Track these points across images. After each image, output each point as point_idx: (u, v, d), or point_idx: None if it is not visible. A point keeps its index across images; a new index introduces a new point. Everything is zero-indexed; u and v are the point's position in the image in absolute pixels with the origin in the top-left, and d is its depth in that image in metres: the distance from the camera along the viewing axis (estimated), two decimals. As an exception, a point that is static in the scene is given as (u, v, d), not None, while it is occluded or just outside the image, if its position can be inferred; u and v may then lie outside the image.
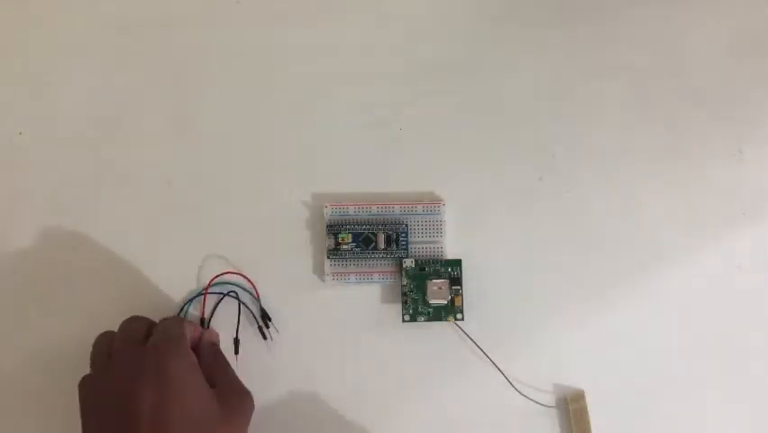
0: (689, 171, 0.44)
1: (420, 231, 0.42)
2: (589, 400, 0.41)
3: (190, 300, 0.41)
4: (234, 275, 0.41)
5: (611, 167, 0.44)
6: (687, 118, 0.44)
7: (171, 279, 0.41)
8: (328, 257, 0.41)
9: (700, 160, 0.44)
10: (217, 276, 0.41)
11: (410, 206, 0.42)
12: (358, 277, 0.41)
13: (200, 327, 0.40)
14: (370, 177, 0.43)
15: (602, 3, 0.45)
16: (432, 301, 0.40)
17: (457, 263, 0.41)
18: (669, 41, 0.45)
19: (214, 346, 0.40)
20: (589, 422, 0.40)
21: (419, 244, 0.42)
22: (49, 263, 0.42)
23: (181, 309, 0.41)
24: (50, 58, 0.43)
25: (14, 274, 0.42)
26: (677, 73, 0.45)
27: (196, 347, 0.39)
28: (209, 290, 0.41)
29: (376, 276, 0.41)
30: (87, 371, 0.37)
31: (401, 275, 0.41)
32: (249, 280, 0.41)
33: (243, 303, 0.40)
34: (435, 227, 0.42)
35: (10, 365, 0.41)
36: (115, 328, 0.40)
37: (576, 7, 0.45)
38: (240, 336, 0.40)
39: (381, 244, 0.41)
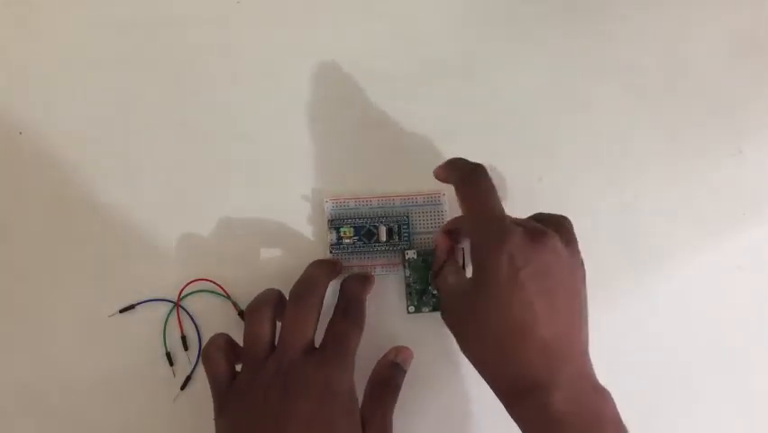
0: (689, 171, 0.44)
1: (422, 222, 0.42)
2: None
3: (166, 318, 0.41)
4: (208, 282, 0.41)
5: (611, 167, 0.44)
6: (687, 118, 0.44)
7: (171, 276, 0.41)
8: (331, 252, 0.41)
9: (700, 160, 0.44)
10: (186, 285, 0.41)
11: (411, 198, 0.42)
12: (362, 270, 0.41)
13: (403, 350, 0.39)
14: (369, 177, 0.43)
15: (602, 3, 0.45)
16: (436, 292, 0.40)
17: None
18: (669, 41, 0.45)
19: (392, 378, 0.38)
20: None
21: (421, 235, 0.42)
22: (48, 263, 0.42)
23: (165, 324, 0.41)
24: (50, 58, 0.43)
25: (14, 273, 0.42)
26: (677, 73, 0.45)
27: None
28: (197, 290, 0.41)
29: (379, 268, 0.41)
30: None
31: (404, 267, 0.41)
32: (217, 285, 0.41)
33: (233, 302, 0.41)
34: (437, 218, 0.42)
35: (10, 364, 0.41)
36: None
37: (576, 7, 0.45)
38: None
39: (383, 237, 0.41)
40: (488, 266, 0.33)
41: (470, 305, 0.34)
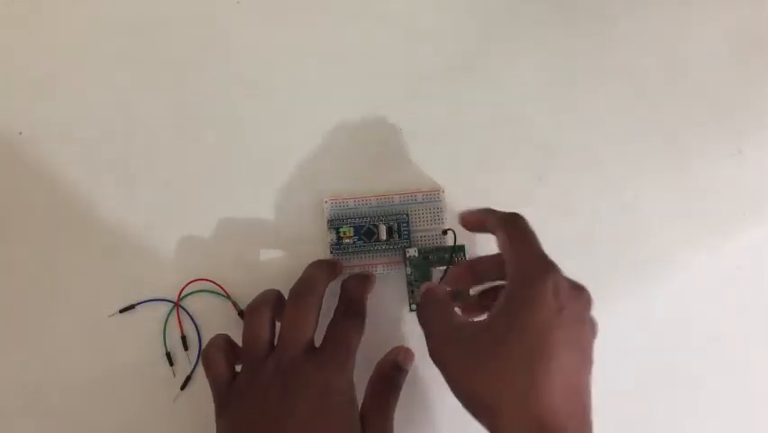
0: (689, 171, 0.44)
1: (421, 220, 0.42)
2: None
3: (167, 317, 0.41)
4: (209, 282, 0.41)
5: (611, 167, 0.44)
6: (687, 118, 0.44)
7: (171, 276, 0.41)
8: (331, 252, 0.41)
9: (700, 160, 0.44)
10: (186, 285, 0.41)
11: (410, 195, 0.42)
12: (363, 270, 0.41)
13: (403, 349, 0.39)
14: (368, 176, 0.43)
15: (602, 3, 0.45)
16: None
17: (461, 249, 0.41)
18: (669, 42, 0.45)
19: (393, 378, 0.38)
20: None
21: (421, 233, 0.42)
22: (48, 263, 0.42)
23: (165, 324, 0.41)
24: (50, 58, 0.43)
25: (14, 273, 0.42)
26: (677, 73, 0.45)
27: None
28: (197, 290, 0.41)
29: (380, 267, 0.41)
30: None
31: (405, 265, 0.41)
32: (217, 285, 0.41)
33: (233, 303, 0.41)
34: (436, 215, 0.42)
35: (10, 364, 0.41)
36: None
37: (576, 7, 0.45)
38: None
39: (383, 236, 0.41)
40: (530, 296, 0.31)
41: (493, 337, 0.32)
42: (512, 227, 0.35)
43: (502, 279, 0.36)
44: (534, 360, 0.31)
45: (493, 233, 0.36)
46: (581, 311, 0.33)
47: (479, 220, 0.37)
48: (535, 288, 0.32)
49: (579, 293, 0.33)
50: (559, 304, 0.31)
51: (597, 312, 0.43)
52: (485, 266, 0.38)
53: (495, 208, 0.37)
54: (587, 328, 0.33)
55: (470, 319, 0.36)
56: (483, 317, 0.33)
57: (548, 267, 0.33)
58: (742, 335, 0.43)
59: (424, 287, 0.38)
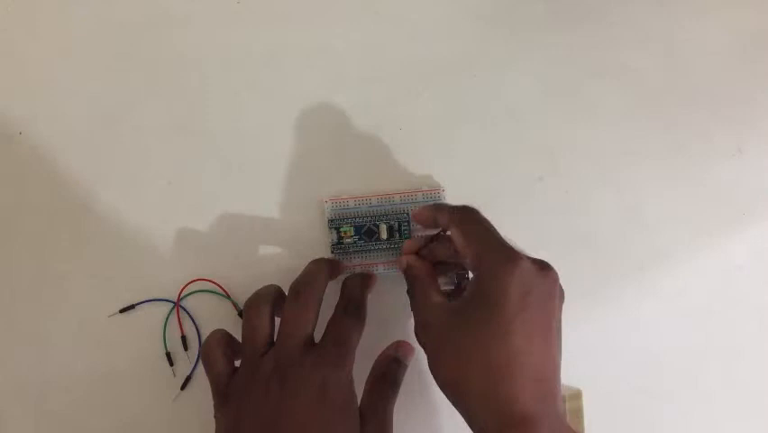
0: (689, 171, 0.44)
1: None
2: (585, 399, 0.41)
3: (166, 318, 0.41)
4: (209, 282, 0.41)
5: (611, 167, 0.44)
6: (687, 118, 0.44)
7: (171, 276, 0.41)
8: (332, 252, 0.41)
9: (700, 159, 0.44)
10: (186, 285, 0.41)
11: (410, 194, 0.42)
12: (363, 269, 0.41)
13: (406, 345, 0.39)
14: (369, 178, 0.43)
15: (602, 3, 0.45)
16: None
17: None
18: (669, 42, 0.45)
19: (392, 373, 0.38)
20: (582, 422, 0.40)
21: (422, 232, 0.41)
22: (48, 263, 0.42)
23: (165, 324, 0.41)
24: (50, 58, 0.43)
25: (14, 273, 0.42)
26: (677, 73, 0.45)
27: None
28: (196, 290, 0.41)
29: (381, 267, 0.41)
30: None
31: None
32: (217, 285, 0.41)
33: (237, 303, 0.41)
34: None
35: (10, 364, 0.41)
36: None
37: (576, 8, 0.45)
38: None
39: (384, 235, 0.41)
40: (496, 287, 0.32)
41: (462, 324, 0.33)
42: (465, 223, 0.36)
43: (458, 263, 0.38)
44: (501, 351, 0.32)
45: (446, 228, 0.36)
46: (548, 290, 0.33)
47: (429, 216, 0.38)
48: (499, 279, 0.32)
49: (545, 273, 0.34)
50: (525, 290, 0.32)
51: (595, 312, 0.43)
52: (442, 248, 0.38)
53: (446, 204, 0.37)
54: (555, 304, 0.34)
55: (447, 300, 0.36)
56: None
57: (510, 256, 0.33)
58: (741, 334, 0.43)
59: (402, 262, 0.38)
